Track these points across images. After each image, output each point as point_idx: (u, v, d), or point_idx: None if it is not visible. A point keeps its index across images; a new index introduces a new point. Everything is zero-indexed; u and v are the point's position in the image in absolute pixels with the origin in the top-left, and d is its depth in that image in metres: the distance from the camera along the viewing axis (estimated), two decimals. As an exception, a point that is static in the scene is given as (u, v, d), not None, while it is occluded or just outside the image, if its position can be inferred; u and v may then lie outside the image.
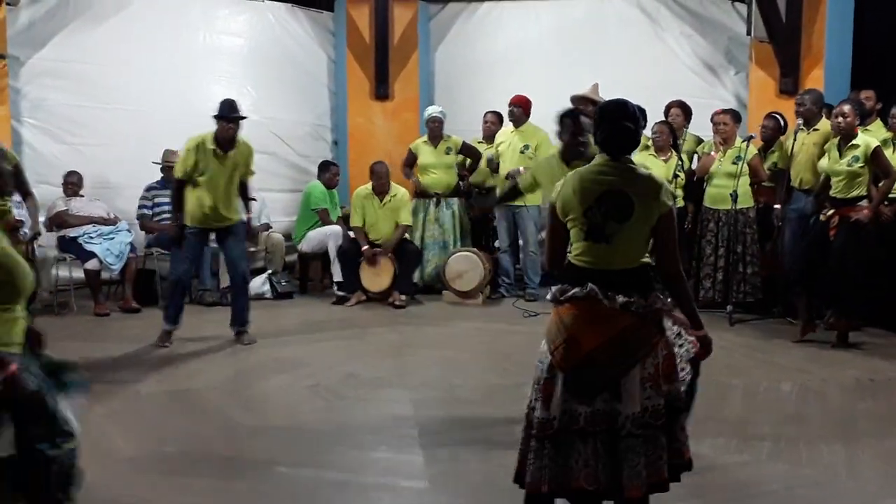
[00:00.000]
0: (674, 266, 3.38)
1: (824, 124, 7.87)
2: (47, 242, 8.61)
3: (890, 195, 7.56)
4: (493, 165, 9.13)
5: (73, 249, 8.51)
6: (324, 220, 9.52)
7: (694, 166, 8.60)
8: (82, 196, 8.81)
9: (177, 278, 7.20)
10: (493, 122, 9.58)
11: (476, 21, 10.75)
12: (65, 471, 3.10)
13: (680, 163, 8.29)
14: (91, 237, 8.51)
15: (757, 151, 8.14)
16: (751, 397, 5.67)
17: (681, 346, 3.40)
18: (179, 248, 7.21)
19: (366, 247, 9.03)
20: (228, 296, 8.80)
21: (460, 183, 9.54)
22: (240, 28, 10.35)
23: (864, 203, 6.95)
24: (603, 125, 3.41)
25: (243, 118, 7.14)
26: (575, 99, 8.83)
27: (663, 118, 8.80)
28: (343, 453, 4.76)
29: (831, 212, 7.09)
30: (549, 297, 3.45)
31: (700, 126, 8.95)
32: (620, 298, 3.24)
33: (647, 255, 3.36)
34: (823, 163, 7.23)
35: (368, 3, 10.54)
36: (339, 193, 10.05)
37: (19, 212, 8.31)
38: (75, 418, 3.14)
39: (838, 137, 7.05)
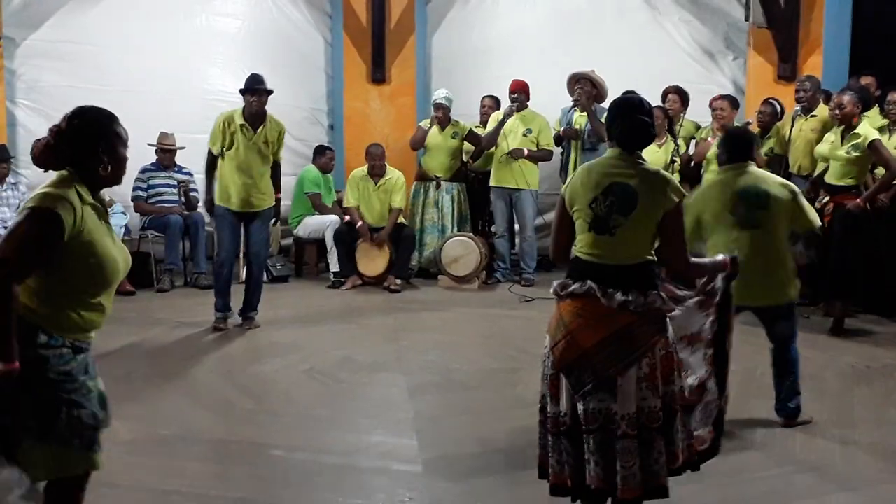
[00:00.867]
0: (681, 263, 3.40)
1: (822, 110, 7.87)
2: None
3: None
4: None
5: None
6: (315, 204, 9.49)
7: (691, 151, 8.58)
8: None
9: (220, 262, 7.21)
10: (490, 107, 9.55)
11: (474, 5, 10.69)
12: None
13: (676, 148, 8.27)
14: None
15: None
16: (747, 383, 5.66)
17: (695, 350, 3.49)
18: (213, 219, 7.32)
19: (360, 223, 9.00)
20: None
21: (463, 167, 9.50)
22: (237, 10, 10.29)
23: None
24: (618, 119, 3.42)
25: (270, 91, 7.07)
26: (573, 77, 8.84)
27: (660, 104, 8.78)
28: (339, 437, 4.76)
29: (826, 199, 7.09)
30: (551, 290, 3.44)
31: (698, 112, 8.93)
32: (619, 297, 3.23)
33: (651, 252, 3.35)
34: (823, 147, 7.22)
35: (366, -13, 10.50)
36: (335, 178, 10.02)
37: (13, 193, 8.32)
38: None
39: (842, 125, 7.04)
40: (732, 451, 4.39)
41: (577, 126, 8.94)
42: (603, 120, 8.65)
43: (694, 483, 3.94)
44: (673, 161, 8.18)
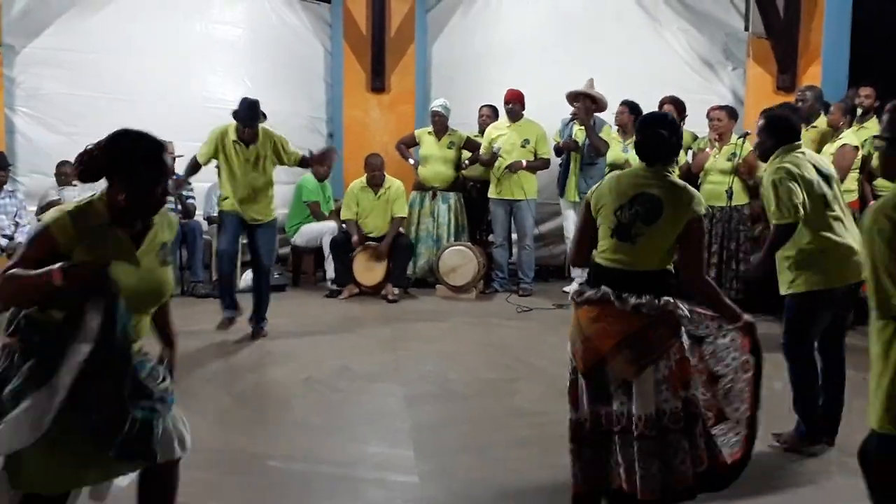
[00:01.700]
0: (698, 274, 3.47)
1: (822, 121, 7.88)
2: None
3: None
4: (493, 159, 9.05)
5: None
6: (315, 213, 9.48)
7: (689, 161, 8.58)
8: (75, 185, 8.76)
9: (219, 256, 7.39)
10: (488, 116, 9.54)
11: (474, 13, 10.71)
12: None
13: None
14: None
15: (752, 148, 8.11)
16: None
17: (729, 360, 3.48)
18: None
19: (355, 237, 9.00)
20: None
21: (459, 175, 9.51)
22: (236, 18, 10.30)
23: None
24: (639, 134, 3.61)
25: (258, 121, 7.12)
26: (571, 95, 8.85)
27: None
28: (335, 447, 4.75)
29: None
30: (569, 298, 3.62)
31: (697, 122, 8.93)
32: (633, 300, 3.32)
33: (669, 263, 3.45)
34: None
35: (365, -5, 10.51)
36: (334, 187, 10.02)
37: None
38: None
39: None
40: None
41: (576, 139, 8.94)
42: (606, 134, 8.76)
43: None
44: (670, 171, 8.16)
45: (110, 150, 2.88)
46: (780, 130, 4.69)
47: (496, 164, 9.02)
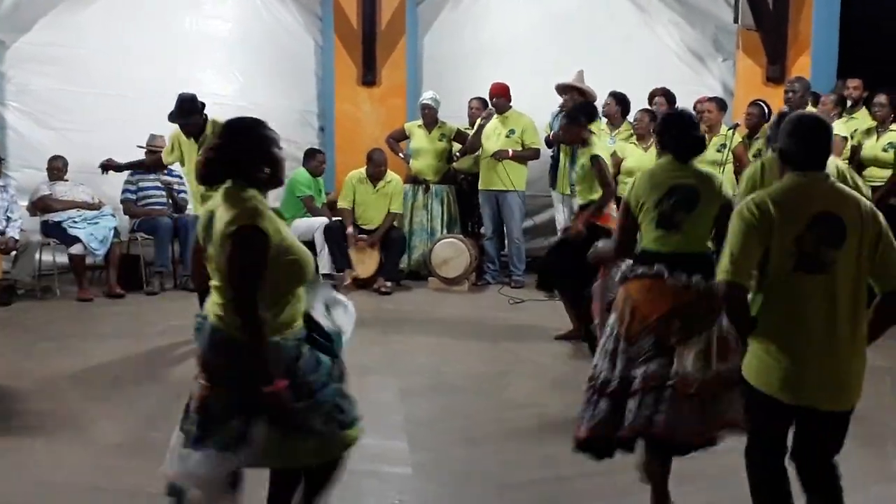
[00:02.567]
0: None
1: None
2: (31, 227, 8.56)
3: (870, 183, 7.63)
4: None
5: (56, 234, 8.46)
6: (309, 207, 9.48)
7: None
8: (67, 180, 8.77)
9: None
10: (477, 108, 9.53)
11: (464, 7, 10.71)
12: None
13: (663, 151, 8.27)
14: (75, 222, 8.45)
15: (742, 139, 8.15)
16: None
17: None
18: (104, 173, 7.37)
19: (350, 230, 9.01)
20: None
21: (451, 167, 9.54)
22: (226, 12, 10.28)
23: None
24: (675, 133, 3.92)
25: (194, 116, 6.75)
26: (560, 87, 8.86)
27: (647, 106, 8.80)
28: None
29: None
30: (618, 277, 3.91)
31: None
32: (684, 278, 3.67)
33: (709, 243, 3.85)
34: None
35: (356, -11, 10.50)
36: (325, 180, 10.01)
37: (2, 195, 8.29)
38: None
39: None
40: (723, 454, 4.40)
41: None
42: (595, 127, 8.75)
43: (687, 485, 3.98)
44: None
45: (238, 135, 3.04)
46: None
47: (482, 154, 9.06)
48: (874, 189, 7.52)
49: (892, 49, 9.16)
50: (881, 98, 7.56)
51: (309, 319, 3.14)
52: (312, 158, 9.70)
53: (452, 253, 8.96)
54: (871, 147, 7.61)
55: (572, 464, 3.86)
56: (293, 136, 10.62)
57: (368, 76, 10.51)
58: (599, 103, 8.89)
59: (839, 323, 3.03)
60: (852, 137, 7.69)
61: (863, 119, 7.90)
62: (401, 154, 9.58)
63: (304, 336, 3.08)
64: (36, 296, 8.39)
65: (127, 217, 9.06)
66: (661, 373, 3.59)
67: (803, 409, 3.10)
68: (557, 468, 4.23)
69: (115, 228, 8.67)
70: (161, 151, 8.86)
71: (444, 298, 8.66)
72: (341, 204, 9.23)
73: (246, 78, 10.25)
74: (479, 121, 9.20)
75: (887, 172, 7.48)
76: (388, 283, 8.89)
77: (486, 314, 7.88)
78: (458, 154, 9.48)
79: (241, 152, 2.98)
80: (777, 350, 3.05)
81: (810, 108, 7.94)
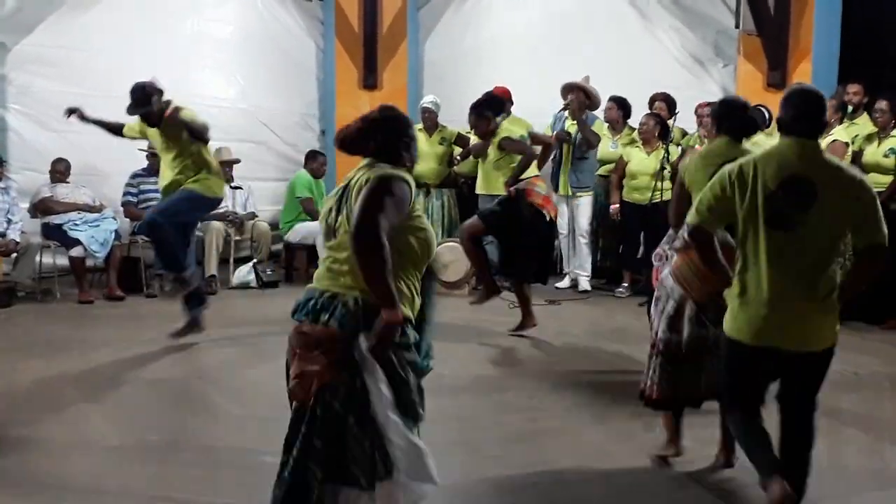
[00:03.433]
0: None
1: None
2: (31, 229, 8.56)
3: (875, 189, 7.63)
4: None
5: (57, 236, 8.46)
6: (307, 209, 9.48)
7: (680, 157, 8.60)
8: (68, 182, 8.77)
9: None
10: (478, 112, 9.53)
11: (466, 11, 10.73)
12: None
13: (667, 154, 8.28)
14: (76, 224, 8.46)
15: None
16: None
17: None
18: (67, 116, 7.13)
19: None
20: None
21: (451, 171, 9.54)
22: (228, 15, 10.30)
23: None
24: (732, 116, 4.30)
25: (148, 105, 6.62)
26: (566, 87, 8.85)
27: (648, 111, 8.81)
28: (328, 443, 4.75)
29: None
30: (676, 244, 4.13)
31: (687, 119, 8.97)
32: None
33: None
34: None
35: (357, -8, 10.52)
36: (326, 183, 10.01)
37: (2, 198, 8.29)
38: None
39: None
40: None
41: (569, 131, 8.94)
42: (598, 129, 8.76)
43: (683, 490, 3.99)
44: (663, 168, 8.20)
45: (396, 119, 3.18)
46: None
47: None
48: (875, 195, 7.54)
49: (893, 55, 9.16)
50: (882, 104, 7.56)
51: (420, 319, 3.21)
52: (314, 160, 9.73)
53: (453, 257, 8.94)
54: (873, 153, 7.61)
55: (571, 466, 3.86)
56: (294, 139, 10.66)
57: (369, 80, 10.53)
58: (600, 108, 8.92)
59: (804, 275, 3.34)
60: (853, 143, 7.68)
61: (864, 125, 7.90)
62: None
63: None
64: (36, 298, 8.39)
65: (127, 220, 9.06)
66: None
67: (771, 352, 3.42)
68: (556, 471, 4.22)
69: (116, 231, 8.68)
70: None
71: (444, 302, 8.59)
72: None
73: (247, 81, 10.26)
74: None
75: (888, 178, 7.48)
76: (389, 287, 8.86)
77: (485, 317, 7.86)
78: (458, 158, 9.47)
79: (393, 134, 3.12)
80: (746, 298, 3.42)
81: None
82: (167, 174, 6.78)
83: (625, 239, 9.13)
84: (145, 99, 6.55)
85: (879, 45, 9.29)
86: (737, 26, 9.73)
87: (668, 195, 8.06)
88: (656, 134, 8.46)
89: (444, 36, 10.82)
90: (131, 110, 6.63)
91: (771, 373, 3.54)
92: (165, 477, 4.26)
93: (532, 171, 7.05)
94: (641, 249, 8.58)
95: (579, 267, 9.07)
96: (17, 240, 8.19)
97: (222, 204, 9.40)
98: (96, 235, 8.42)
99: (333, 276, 3.02)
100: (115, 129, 7.14)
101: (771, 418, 3.64)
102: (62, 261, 8.58)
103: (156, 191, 9.03)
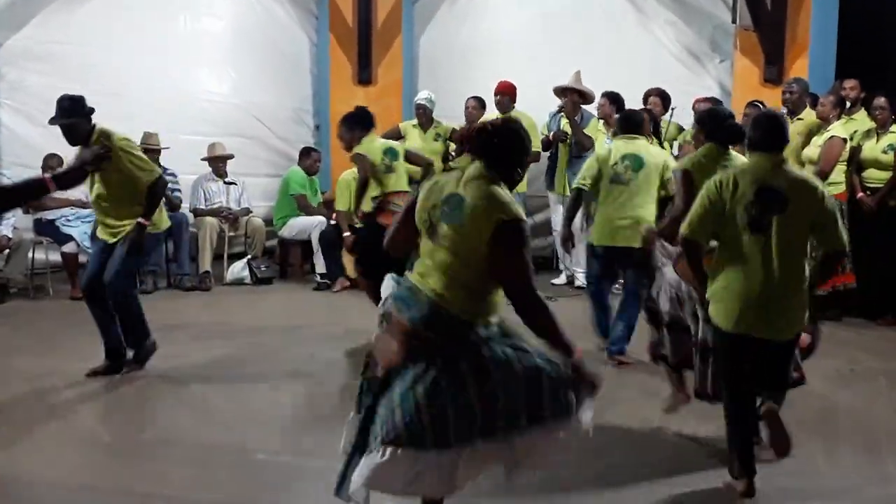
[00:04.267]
0: None
1: (808, 114, 7.89)
2: (23, 225, 8.52)
3: (870, 184, 7.62)
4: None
5: (50, 232, 8.42)
6: (302, 206, 9.45)
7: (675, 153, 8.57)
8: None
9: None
10: (474, 108, 9.45)
11: (461, 5, 10.68)
12: None
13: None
14: (69, 220, 8.42)
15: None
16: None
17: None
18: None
19: (346, 234, 8.94)
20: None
21: (447, 167, 9.50)
22: (221, 10, 10.24)
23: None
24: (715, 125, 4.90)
25: (72, 119, 5.95)
26: (558, 90, 8.82)
27: (643, 105, 8.76)
28: (322, 440, 4.70)
29: None
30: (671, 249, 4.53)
31: (684, 114, 8.93)
32: None
33: None
34: (811, 150, 7.45)
35: (352, -13, 10.46)
36: (320, 179, 9.98)
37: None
38: None
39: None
40: (717, 456, 4.38)
41: (565, 130, 8.90)
42: (593, 128, 8.72)
43: (681, 486, 3.96)
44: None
45: (518, 131, 3.25)
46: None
47: None
48: (874, 191, 7.53)
49: (890, 50, 9.15)
50: (881, 101, 7.54)
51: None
52: (307, 157, 9.69)
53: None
54: (871, 149, 7.58)
55: (568, 464, 3.82)
56: (288, 135, 10.61)
57: (364, 74, 10.47)
58: (594, 104, 8.89)
59: (775, 273, 3.82)
60: (852, 139, 7.66)
61: (862, 120, 7.87)
62: None
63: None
64: (29, 294, 8.34)
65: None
66: None
67: (746, 339, 3.90)
68: (553, 468, 4.19)
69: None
70: (156, 149, 8.86)
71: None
72: (339, 207, 9.14)
73: (240, 75, 10.21)
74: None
75: (887, 174, 7.46)
76: (384, 284, 8.83)
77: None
78: (453, 154, 9.44)
79: (514, 149, 3.21)
80: (728, 291, 3.90)
81: (808, 110, 7.92)
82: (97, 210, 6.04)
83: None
84: (77, 110, 6.02)
85: (877, 40, 9.28)
86: (733, 21, 9.69)
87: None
88: (650, 129, 8.41)
89: (439, 30, 10.77)
90: (60, 119, 6.03)
91: (751, 358, 3.97)
92: (158, 474, 4.23)
93: (399, 185, 6.84)
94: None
95: (575, 264, 9.04)
96: (10, 236, 8.15)
97: (216, 199, 9.41)
98: (89, 231, 8.35)
99: (422, 276, 3.14)
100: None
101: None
102: (55, 257, 8.54)
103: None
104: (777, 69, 9.43)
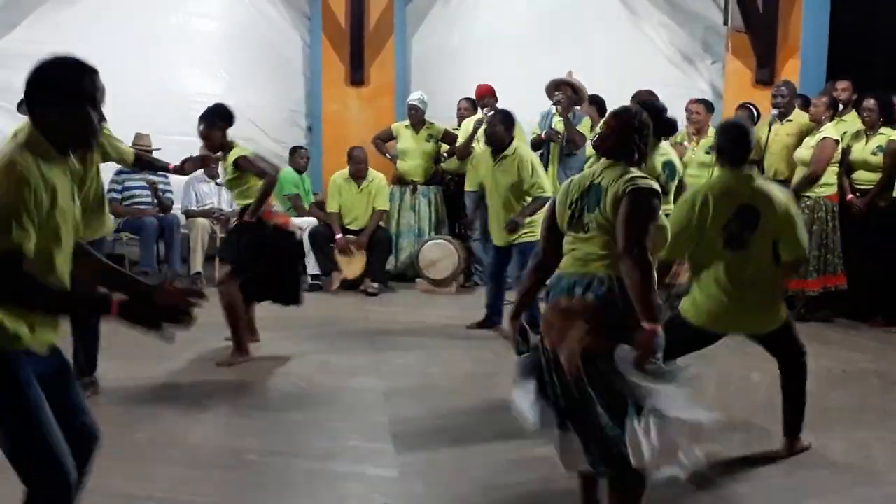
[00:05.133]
0: None
1: (799, 115, 7.91)
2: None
3: (859, 186, 7.64)
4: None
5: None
6: (295, 206, 9.44)
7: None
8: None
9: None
10: (466, 109, 9.47)
11: (454, 6, 10.68)
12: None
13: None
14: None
15: None
16: (723, 386, 5.68)
17: None
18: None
19: (339, 236, 8.95)
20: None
21: (438, 168, 9.51)
22: (213, 10, 10.23)
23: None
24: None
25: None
26: (552, 84, 8.80)
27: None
28: (313, 441, 4.73)
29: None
30: None
31: (676, 116, 8.92)
32: None
33: None
34: (802, 152, 7.47)
35: (344, -13, 10.45)
36: (313, 180, 9.97)
37: None
38: None
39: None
40: (715, 454, 4.38)
41: (557, 129, 8.88)
42: (585, 127, 8.71)
43: (670, 487, 3.95)
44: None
45: (643, 128, 3.42)
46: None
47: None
48: (863, 192, 7.55)
49: (881, 52, 9.16)
50: (870, 103, 7.55)
51: None
52: (296, 155, 9.68)
53: (440, 254, 8.92)
54: (861, 150, 7.60)
55: (558, 465, 3.82)
56: (281, 136, 10.58)
57: (356, 76, 10.46)
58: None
59: (750, 283, 4.19)
60: (843, 140, 7.68)
61: (853, 122, 7.89)
62: (388, 155, 9.54)
63: None
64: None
65: (112, 216, 8.97)
66: None
67: (720, 335, 4.39)
68: (544, 469, 4.18)
69: (100, 228, 8.59)
70: (148, 150, 8.83)
71: (432, 300, 8.62)
72: (331, 208, 9.14)
73: (233, 77, 10.20)
74: (470, 124, 9.05)
75: (876, 176, 7.48)
76: (375, 285, 8.84)
77: (473, 316, 7.82)
78: (445, 155, 9.44)
79: (642, 140, 3.37)
80: (708, 298, 4.25)
81: (799, 112, 7.94)
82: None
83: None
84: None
85: (868, 42, 9.29)
86: (725, 23, 9.72)
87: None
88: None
89: (431, 32, 10.77)
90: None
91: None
92: (149, 475, 4.22)
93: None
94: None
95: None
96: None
97: (208, 200, 9.39)
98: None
99: (583, 263, 3.29)
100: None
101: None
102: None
103: (140, 187, 9.03)
104: (769, 71, 9.46)
